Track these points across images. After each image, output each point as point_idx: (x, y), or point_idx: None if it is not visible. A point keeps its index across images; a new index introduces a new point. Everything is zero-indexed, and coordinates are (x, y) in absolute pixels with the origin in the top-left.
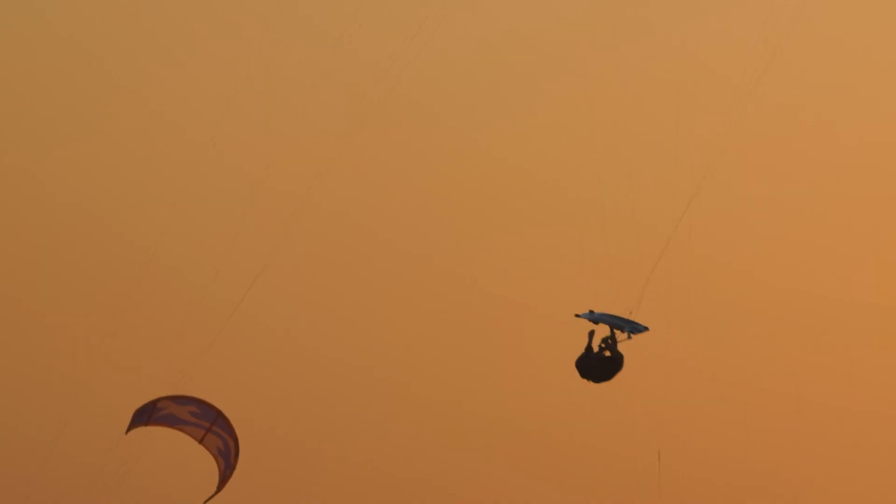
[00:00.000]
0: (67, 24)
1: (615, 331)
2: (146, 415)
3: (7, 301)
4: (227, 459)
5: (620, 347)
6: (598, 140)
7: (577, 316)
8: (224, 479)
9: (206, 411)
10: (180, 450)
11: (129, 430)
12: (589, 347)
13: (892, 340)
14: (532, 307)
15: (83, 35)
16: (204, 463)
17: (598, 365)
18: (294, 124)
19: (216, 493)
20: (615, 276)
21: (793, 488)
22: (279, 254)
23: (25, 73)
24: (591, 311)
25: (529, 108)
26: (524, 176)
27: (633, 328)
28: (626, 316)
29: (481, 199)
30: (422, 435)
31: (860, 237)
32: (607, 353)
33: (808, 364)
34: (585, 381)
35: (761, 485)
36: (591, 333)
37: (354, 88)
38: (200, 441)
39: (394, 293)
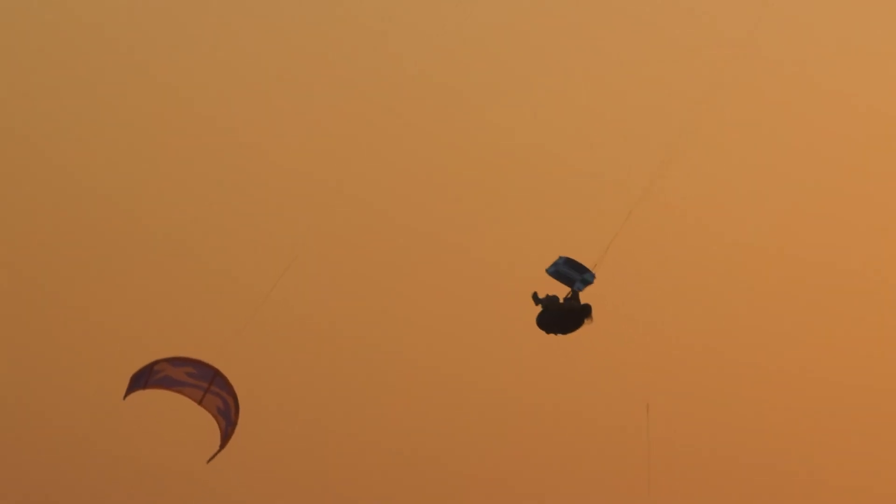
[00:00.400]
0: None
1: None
2: (143, 379)
3: (42, 289)
4: (228, 417)
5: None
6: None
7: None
8: (226, 437)
9: (203, 371)
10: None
11: (126, 395)
12: (544, 304)
13: (862, 300)
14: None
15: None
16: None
17: (559, 318)
18: (319, 111)
19: (219, 450)
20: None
21: (779, 440)
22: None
23: (60, 70)
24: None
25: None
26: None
27: (584, 280)
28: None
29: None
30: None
31: (839, 200)
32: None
33: (788, 322)
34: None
35: (748, 437)
36: (535, 294)
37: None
38: (199, 402)
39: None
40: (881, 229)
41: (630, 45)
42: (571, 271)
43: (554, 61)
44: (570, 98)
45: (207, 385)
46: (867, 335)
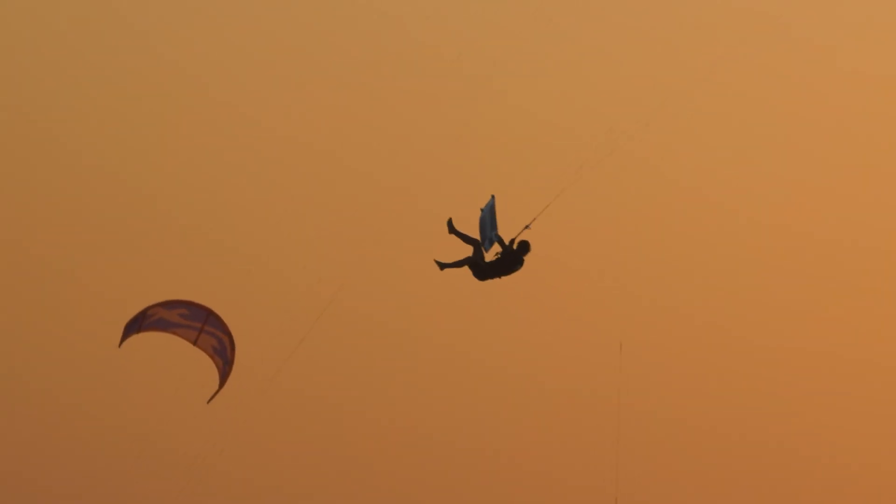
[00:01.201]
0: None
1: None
2: (137, 324)
3: (106, 298)
4: (224, 356)
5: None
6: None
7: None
8: (224, 376)
9: (195, 312)
10: (176, 354)
11: (122, 342)
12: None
13: (828, 253)
14: None
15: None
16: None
17: (495, 266)
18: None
19: (218, 390)
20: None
21: (748, 381)
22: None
23: (105, 78)
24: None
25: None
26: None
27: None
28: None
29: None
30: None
31: (810, 163)
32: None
33: (762, 267)
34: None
35: (720, 374)
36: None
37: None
38: (194, 343)
39: None
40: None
41: None
42: (487, 225)
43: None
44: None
45: (201, 325)
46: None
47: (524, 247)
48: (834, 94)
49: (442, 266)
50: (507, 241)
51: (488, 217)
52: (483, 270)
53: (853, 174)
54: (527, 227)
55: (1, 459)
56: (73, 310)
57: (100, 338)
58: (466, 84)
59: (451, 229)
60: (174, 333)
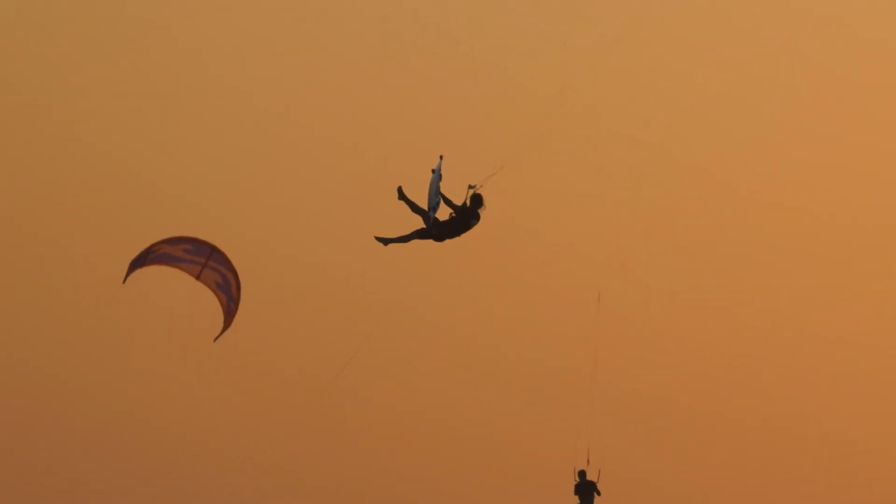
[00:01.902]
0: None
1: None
2: (141, 259)
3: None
4: (228, 292)
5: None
6: None
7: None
8: (229, 313)
9: (199, 248)
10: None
11: (126, 278)
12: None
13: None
14: None
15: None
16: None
17: (450, 226)
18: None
19: (224, 329)
20: None
21: (724, 331)
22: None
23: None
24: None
25: None
26: None
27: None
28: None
29: None
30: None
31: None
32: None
33: (741, 215)
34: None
35: (697, 326)
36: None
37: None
38: (197, 277)
39: None
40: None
41: None
42: (433, 190)
43: None
44: None
45: (205, 260)
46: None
47: (477, 201)
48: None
49: (385, 241)
50: (458, 203)
51: (435, 181)
52: (438, 235)
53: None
54: (471, 187)
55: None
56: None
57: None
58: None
59: (401, 195)
60: (177, 268)
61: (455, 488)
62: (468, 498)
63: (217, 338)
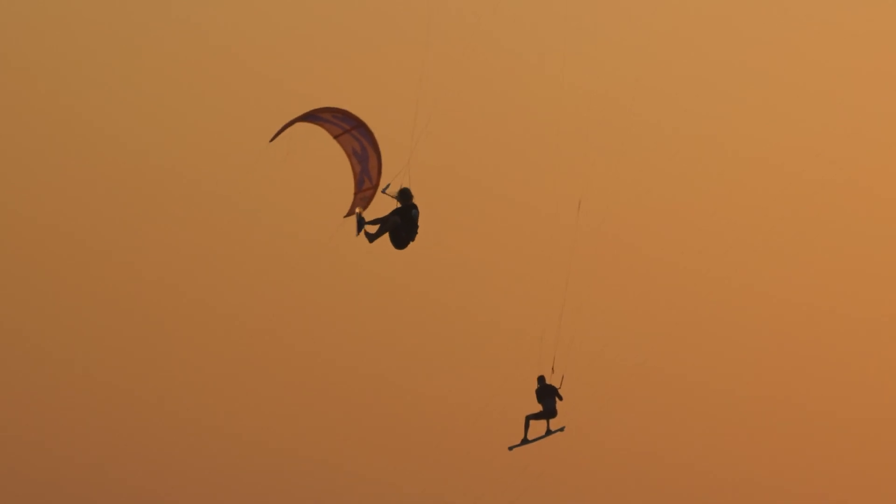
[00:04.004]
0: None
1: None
2: (294, 120)
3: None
4: (365, 166)
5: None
6: None
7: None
8: (360, 184)
9: (348, 118)
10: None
11: (274, 137)
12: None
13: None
14: None
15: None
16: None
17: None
18: None
19: (353, 205)
20: None
21: (699, 243)
22: None
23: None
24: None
25: None
26: None
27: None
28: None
29: None
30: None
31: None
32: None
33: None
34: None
35: (673, 230)
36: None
37: None
38: (336, 137)
39: None
40: None
41: None
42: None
43: None
44: None
45: (349, 128)
46: None
47: (405, 195)
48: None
49: (371, 238)
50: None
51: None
52: (397, 240)
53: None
54: (384, 191)
55: None
56: None
57: None
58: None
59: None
60: (320, 125)
61: (421, 390)
62: (434, 403)
63: (347, 214)
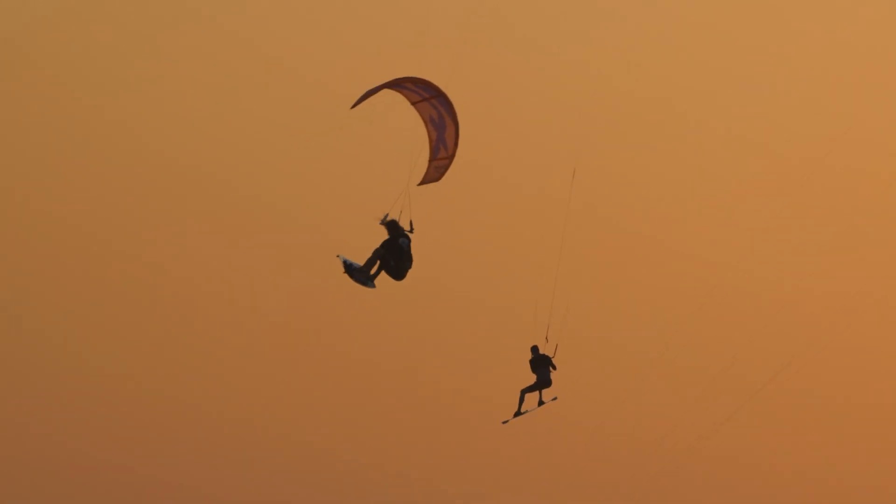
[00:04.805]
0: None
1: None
2: (372, 90)
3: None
4: (442, 135)
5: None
6: None
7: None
8: (436, 151)
9: (428, 87)
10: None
11: (355, 104)
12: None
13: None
14: None
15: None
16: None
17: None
18: None
19: (426, 174)
20: None
21: (699, 202)
22: None
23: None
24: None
25: None
26: None
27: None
28: None
29: None
30: None
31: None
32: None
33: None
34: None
35: (669, 201)
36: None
37: None
38: (414, 104)
39: None
40: None
41: None
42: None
43: None
44: None
45: (429, 97)
46: None
47: (393, 226)
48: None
49: (369, 278)
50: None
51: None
52: (391, 269)
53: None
54: (381, 222)
55: None
56: None
57: None
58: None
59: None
60: (400, 92)
61: (419, 360)
62: (430, 371)
63: (421, 182)
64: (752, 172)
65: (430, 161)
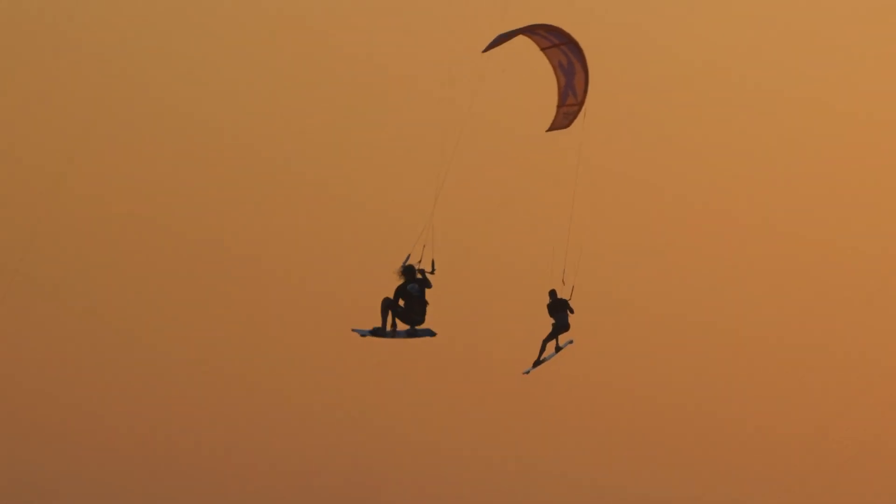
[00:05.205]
0: None
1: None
2: (504, 35)
3: None
4: (571, 81)
5: None
6: None
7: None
8: (563, 97)
9: (560, 35)
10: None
11: (487, 48)
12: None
13: None
14: None
15: None
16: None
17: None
18: None
19: (555, 120)
20: None
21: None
22: None
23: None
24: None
25: None
26: None
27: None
28: None
29: None
30: None
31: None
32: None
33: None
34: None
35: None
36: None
37: None
38: (544, 49)
39: None
40: None
41: None
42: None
43: None
44: None
45: (559, 43)
46: None
47: (410, 272)
48: None
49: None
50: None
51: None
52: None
53: None
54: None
55: None
56: None
57: None
58: None
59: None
60: (530, 38)
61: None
62: (447, 322)
63: (550, 129)
64: (767, 123)
65: (559, 107)
